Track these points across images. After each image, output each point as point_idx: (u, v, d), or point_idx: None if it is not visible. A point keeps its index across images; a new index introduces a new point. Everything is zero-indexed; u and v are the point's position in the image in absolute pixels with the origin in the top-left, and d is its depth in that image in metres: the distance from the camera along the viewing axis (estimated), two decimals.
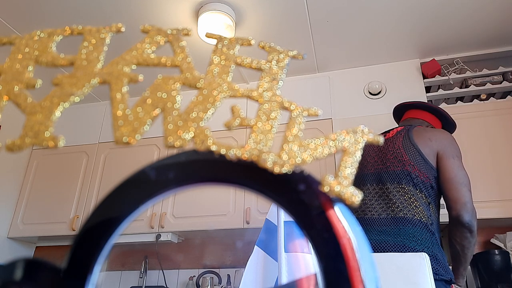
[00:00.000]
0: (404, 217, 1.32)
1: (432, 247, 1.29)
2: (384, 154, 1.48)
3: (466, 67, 2.59)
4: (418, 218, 1.32)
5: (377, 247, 1.29)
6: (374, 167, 1.48)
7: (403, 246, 1.27)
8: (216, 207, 2.55)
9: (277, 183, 0.25)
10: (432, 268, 1.21)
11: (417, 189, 1.37)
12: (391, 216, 1.34)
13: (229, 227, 2.50)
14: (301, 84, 2.86)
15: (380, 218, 1.35)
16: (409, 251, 1.25)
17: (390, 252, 1.26)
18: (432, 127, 1.59)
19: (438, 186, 1.40)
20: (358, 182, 1.48)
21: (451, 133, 1.62)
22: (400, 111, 1.74)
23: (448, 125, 1.64)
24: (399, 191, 1.37)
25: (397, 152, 1.44)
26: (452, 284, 1.29)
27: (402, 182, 1.39)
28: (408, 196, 1.36)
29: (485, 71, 2.54)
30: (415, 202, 1.35)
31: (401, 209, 1.34)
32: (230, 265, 2.72)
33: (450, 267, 1.37)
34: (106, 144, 3.00)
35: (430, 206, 1.38)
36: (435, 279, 1.20)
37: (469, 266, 2.19)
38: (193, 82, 0.29)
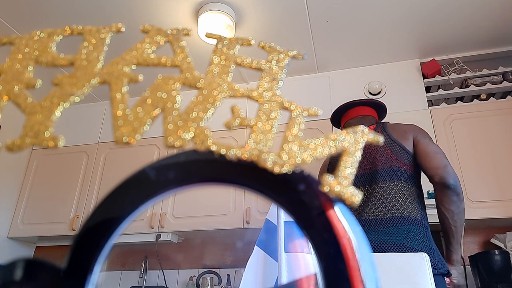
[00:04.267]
0: (401, 216, 1.33)
1: (428, 242, 1.31)
2: (369, 154, 1.49)
3: (466, 67, 2.59)
4: (414, 215, 1.34)
5: (376, 248, 1.29)
6: (362, 168, 1.49)
7: (401, 246, 1.27)
8: (216, 207, 2.55)
9: (277, 183, 0.25)
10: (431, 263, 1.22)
11: (408, 184, 1.40)
12: (388, 216, 1.34)
13: (229, 227, 2.50)
14: (301, 84, 2.86)
15: (377, 219, 1.36)
16: (407, 251, 1.25)
17: (389, 252, 1.26)
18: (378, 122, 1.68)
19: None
20: None
21: (384, 117, 1.73)
22: (341, 112, 1.72)
23: (383, 113, 1.72)
24: (393, 189, 1.39)
25: (382, 150, 1.46)
26: (449, 277, 1.31)
27: (394, 179, 1.40)
28: (402, 193, 1.38)
29: (485, 71, 2.54)
30: (409, 198, 1.37)
31: (397, 208, 1.35)
32: (230, 265, 2.71)
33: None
34: (106, 144, 3.00)
35: (420, 199, 1.42)
36: (434, 274, 1.21)
37: (469, 266, 2.20)
38: (193, 82, 0.29)
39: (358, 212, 1.42)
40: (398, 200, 1.36)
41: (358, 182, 1.47)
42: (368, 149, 1.50)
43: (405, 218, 1.33)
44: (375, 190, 1.41)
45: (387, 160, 1.44)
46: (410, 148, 1.44)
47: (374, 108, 1.67)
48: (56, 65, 0.30)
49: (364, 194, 1.43)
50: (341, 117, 1.72)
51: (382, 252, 1.26)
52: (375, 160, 1.46)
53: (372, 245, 1.29)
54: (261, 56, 0.30)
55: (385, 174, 1.42)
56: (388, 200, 1.37)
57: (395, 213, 1.34)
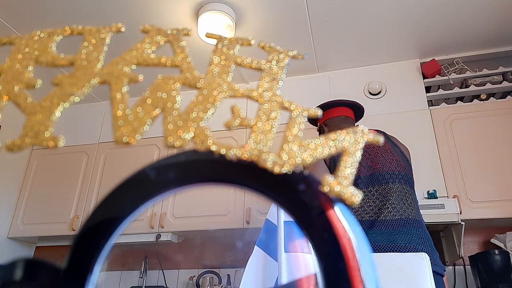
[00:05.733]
0: (408, 217, 1.36)
1: (431, 244, 1.35)
2: (376, 155, 1.49)
3: (466, 67, 2.59)
4: (418, 218, 1.39)
5: (384, 249, 1.29)
6: (370, 169, 1.48)
7: (412, 248, 1.29)
8: (216, 207, 2.55)
9: (277, 183, 0.25)
10: (434, 265, 1.23)
11: (411, 188, 1.47)
12: (397, 218, 1.35)
13: (229, 227, 2.50)
14: (301, 84, 2.85)
15: (386, 220, 1.36)
16: (415, 251, 1.27)
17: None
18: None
19: None
20: (356, 185, 1.49)
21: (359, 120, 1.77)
22: (323, 109, 1.72)
23: (359, 117, 1.77)
24: (401, 191, 1.42)
25: (389, 153, 1.51)
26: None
27: (402, 182, 1.44)
28: (407, 196, 1.42)
29: (485, 71, 2.54)
30: (413, 202, 1.43)
31: (404, 210, 1.38)
32: (230, 265, 2.71)
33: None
34: (106, 144, 3.00)
35: (418, 203, 1.49)
36: (435, 272, 1.22)
37: (469, 266, 2.20)
38: (193, 82, 0.29)
39: (360, 213, 1.40)
40: (405, 203, 1.40)
41: (367, 183, 1.47)
42: (371, 151, 1.51)
43: (412, 220, 1.37)
44: (385, 191, 1.42)
45: (396, 163, 1.49)
46: (411, 163, 1.56)
47: (353, 110, 1.72)
48: (56, 65, 0.30)
49: (373, 195, 1.42)
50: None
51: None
52: (387, 162, 1.49)
53: (379, 247, 1.29)
54: (261, 56, 0.30)
55: (395, 177, 1.46)
56: (398, 200, 1.41)
57: (403, 215, 1.38)
